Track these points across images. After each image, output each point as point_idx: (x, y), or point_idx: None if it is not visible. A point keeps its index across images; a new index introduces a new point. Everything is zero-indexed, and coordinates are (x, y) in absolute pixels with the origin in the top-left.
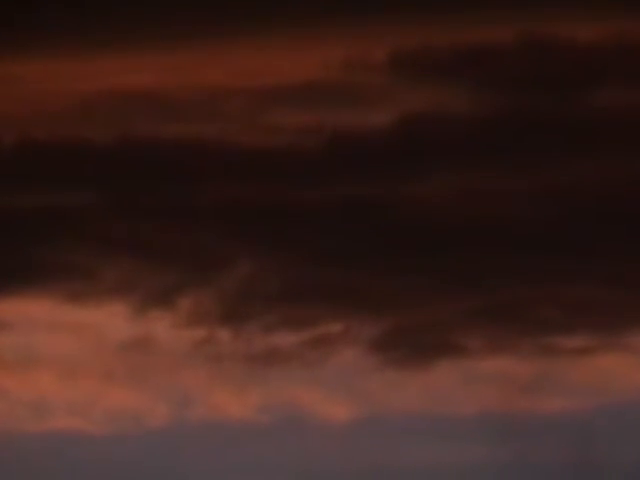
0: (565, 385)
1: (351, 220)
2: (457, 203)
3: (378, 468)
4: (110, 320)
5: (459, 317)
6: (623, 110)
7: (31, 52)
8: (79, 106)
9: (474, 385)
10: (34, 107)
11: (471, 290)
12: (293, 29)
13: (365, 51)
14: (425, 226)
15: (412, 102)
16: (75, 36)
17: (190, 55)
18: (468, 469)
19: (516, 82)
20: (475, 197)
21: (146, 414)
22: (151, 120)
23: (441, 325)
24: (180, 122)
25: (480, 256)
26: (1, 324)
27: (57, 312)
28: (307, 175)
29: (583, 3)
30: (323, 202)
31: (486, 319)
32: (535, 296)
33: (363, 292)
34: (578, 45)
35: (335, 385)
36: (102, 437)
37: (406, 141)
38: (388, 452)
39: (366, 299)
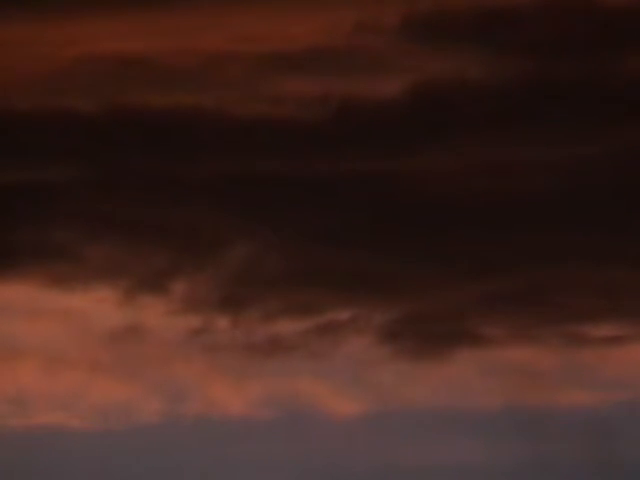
0: (593, 377)
1: (360, 197)
2: (475, 177)
3: (390, 468)
4: (97, 306)
5: (478, 303)
6: None
7: (10, 15)
8: (63, 73)
9: (494, 377)
10: (13, 74)
11: (491, 273)
12: None
13: (376, 14)
14: (441, 203)
15: (426, 69)
16: None
17: (185, 17)
18: (488, 468)
19: (538, 47)
20: (495, 170)
21: (137, 409)
22: (141, 88)
23: (458, 312)
24: (173, 91)
25: (500, 235)
26: None
27: (39, 298)
28: (312, 148)
29: None
30: (330, 177)
31: (507, 305)
32: (561, 279)
33: (373, 275)
34: (607, 5)
35: (343, 377)
36: (89, 434)
37: (420, 111)
38: (401, 450)
39: (377, 283)
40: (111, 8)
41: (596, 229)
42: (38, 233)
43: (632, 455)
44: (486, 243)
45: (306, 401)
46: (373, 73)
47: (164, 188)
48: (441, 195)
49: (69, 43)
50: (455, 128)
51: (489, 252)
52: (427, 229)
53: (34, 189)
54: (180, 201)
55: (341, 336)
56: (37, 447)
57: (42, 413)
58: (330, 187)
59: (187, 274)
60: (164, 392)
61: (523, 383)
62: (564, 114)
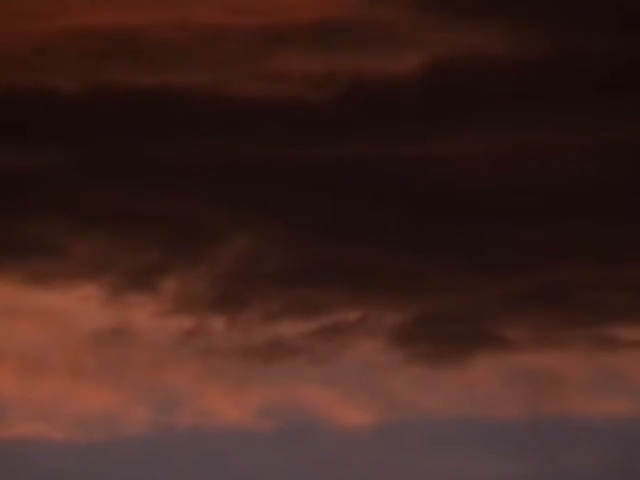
0: (625, 384)
1: (370, 185)
2: (498, 164)
3: None
4: (80, 306)
5: (499, 302)
6: None
7: None
8: (41, 49)
9: (517, 384)
10: None
11: (514, 270)
12: None
13: None
14: (460, 193)
15: (444, 44)
16: None
17: None
18: None
19: (564, 21)
20: (519, 157)
21: (123, 419)
22: (128, 66)
23: (478, 312)
24: (163, 68)
25: (524, 228)
26: None
27: (15, 296)
28: (318, 132)
29: None
30: (337, 164)
31: (531, 305)
32: (590, 276)
33: (385, 272)
34: None
35: (351, 385)
36: (70, 447)
37: (436, 91)
38: (415, 465)
39: (388, 280)
40: None
41: (628, 222)
42: (16, 226)
43: None
44: (509, 237)
45: (310, 411)
46: (385, 48)
47: (154, 176)
48: (460, 184)
49: (48, 16)
50: (476, 109)
51: (512, 247)
52: (444, 222)
53: (10, 176)
54: (171, 190)
55: (349, 339)
56: (12, 461)
57: (18, 423)
58: (337, 175)
59: (179, 270)
60: (153, 400)
61: (548, 391)
62: (594, 95)
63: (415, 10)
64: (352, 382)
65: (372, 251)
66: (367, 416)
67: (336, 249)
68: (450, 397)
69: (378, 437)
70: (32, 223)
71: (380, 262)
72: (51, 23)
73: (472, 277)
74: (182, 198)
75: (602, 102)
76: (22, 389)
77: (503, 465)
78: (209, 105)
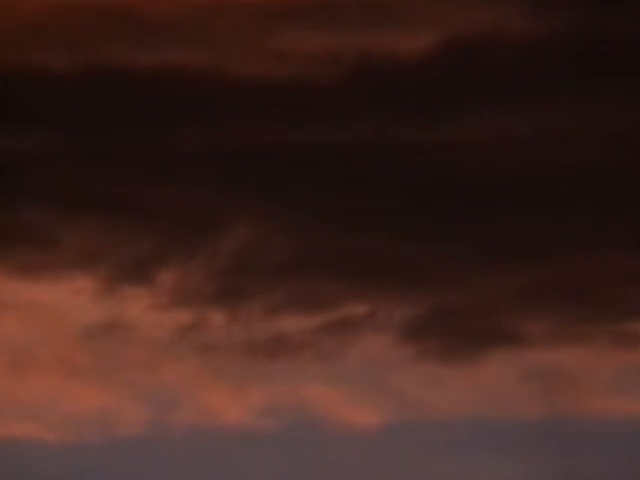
0: None
1: (378, 171)
2: (515, 150)
3: None
4: (72, 299)
5: (515, 296)
6: None
7: None
8: (31, 25)
9: (533, 383)
10: None
11: (531, 262)
12: None
13: None
14: (473, 179)
15: (456, 23)
16: None
17: None
18: None
19: None
20: (538, 142)
21: (118, 419)
22: (123, 43)
23: (492, 307)
24: (160, 46)
25: (542, 218)
26: None
27: (4, 289)
28: (321, 115)
29: None
30: (342, 148)
31: (549, 299)
32: (611, 271)
33: (394, 264)
34: None
35: (358, 383)
36: (62, 448)
37: (448, 73)
38: (425, 467)
39: (398, 273)
40: None
41: None
42: (2, 213)
43: None
44: (525, 227)
45: (315, 410)
46: (394, 27)
47: (150, 161)
48: (474, 171)
49: None
50: (491, 92)
51: (529, 238)
52: (456, 210)
53: None
54: (169, 176)
55: (356, 334)
56: (3, 461)
57: (7, 424)
58: (344, 161)
59: (176, 261)
60: (150, 400)
61: (566, 390)
62: (616, 76)
63: None
64: (359, 380)
65: (381, 241)
66: (374, 416)
67: (342, 239)
68: (462, 396)
69: (386, 438)
70: (20, 211)
71: (389, 253)
72: None
73: (487, 269)
74: (180, 185)
75: (623, 85)
76: (11, 387)
77: (517, 468)
78: (207, 86)
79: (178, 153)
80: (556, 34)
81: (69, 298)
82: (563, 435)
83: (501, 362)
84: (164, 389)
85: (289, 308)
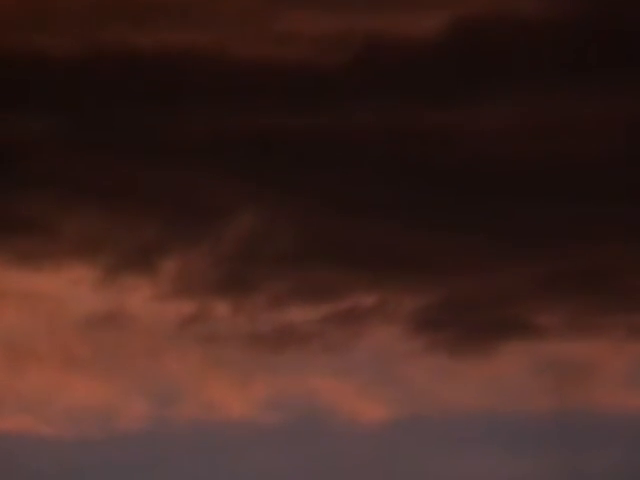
0: None
1: (387, 157)
2: (528, 137)
3: None
4: (71, 289)
5: (529, 286)
6: None
7: None
8: (33, 8)
9: (548, 376)
10: None
11: (545, 251)
12: None
13: None
14: (485, 166)
15: (469, 3)
16: None
17: None
18: None
19: None
20: (552, 129)
21: (119, 413)
22: (125, 25)
23: (506, 297)
24: (164, 29)
25: (557, 206)
26: None
27: (2, 278)
28: (329, 99)
29: None
30: (351, 134)
31: (564, 289)
32: (628, 259)
33: (403, 253)
34: None
35: (366, 375)
36: (61, 442)
37: (459, 56)
38: (436, 462)
39: (407, 262)
40: None
41: None
42: (1, 201)
43: None
44: (539, 215)
45: (322, 404)
46: (403, 8)
47: (152, 146)
48: (486, 157)
49: None
50: (504, 76)
51: (543, 226)
52: (468, 197)
53: None
54: (171, 162)
55: (365, 325)
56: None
57: (4, 417)
58: (351, 146)
59: (179, 250)
60: (151, 393)
61: (581, 383)
62: (633, 59)
63: None
64: (367, 372)
65: (389, 229)
66: (383, 410)
67: (350, 227)
68: (474, 389)
69: (395, 432)
70: (19, 198)
71: (398, 241)
72: None
73: (499, 259)
74: (183, 171)
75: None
76: (8, 379)
77: (531, 463)
78: (211, 69)
79: (181, 138)
80: (571, 16)
81: (69, 288)
82: (577, 429)
83: (514, 354)
84: (166, 382)
85: (295, 298)
